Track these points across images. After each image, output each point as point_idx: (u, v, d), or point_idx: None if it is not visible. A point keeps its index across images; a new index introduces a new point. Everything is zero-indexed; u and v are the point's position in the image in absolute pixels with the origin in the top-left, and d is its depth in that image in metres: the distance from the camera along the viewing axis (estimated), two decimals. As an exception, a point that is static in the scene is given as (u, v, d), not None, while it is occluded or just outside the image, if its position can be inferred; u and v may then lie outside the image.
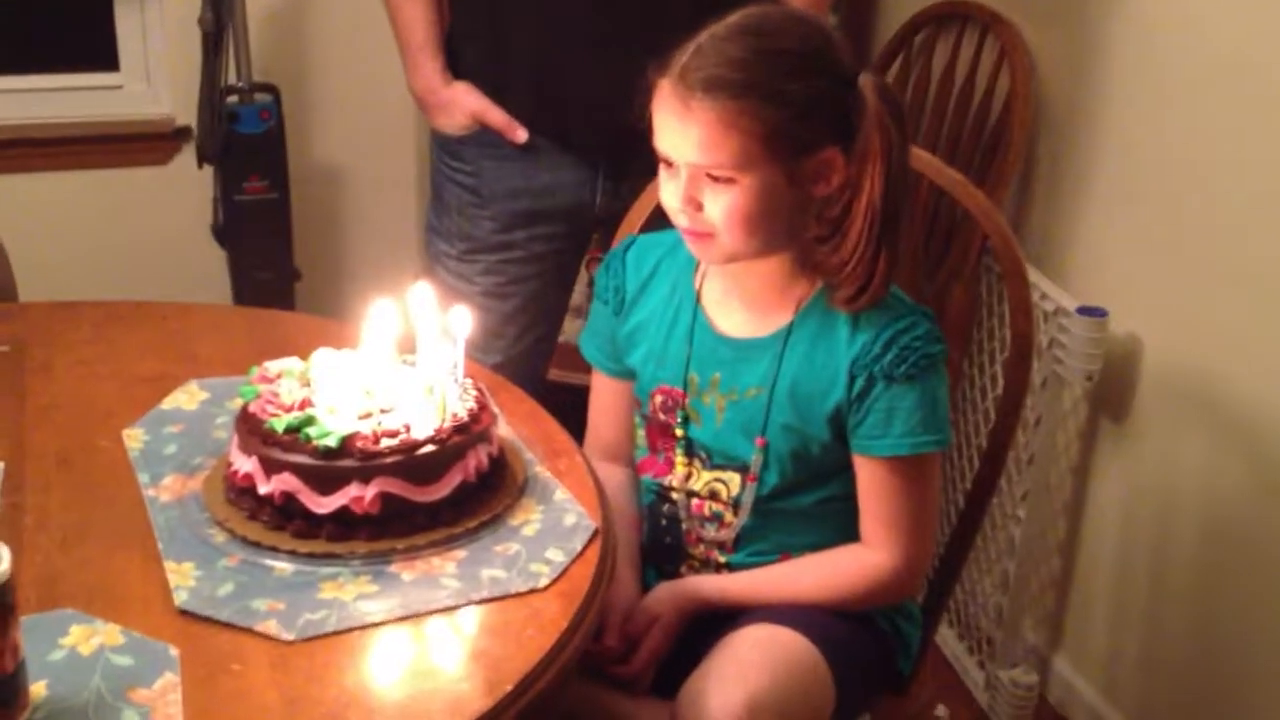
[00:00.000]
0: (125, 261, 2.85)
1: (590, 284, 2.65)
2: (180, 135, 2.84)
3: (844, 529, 1.44)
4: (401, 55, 1.98)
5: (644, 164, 1.70)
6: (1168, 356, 2.02)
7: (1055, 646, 2.29)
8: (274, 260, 2.75)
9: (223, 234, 2.74)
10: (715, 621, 1.42)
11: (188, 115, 2.76)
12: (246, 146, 2.65)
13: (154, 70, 2.85)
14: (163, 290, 2.52)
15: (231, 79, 2.65)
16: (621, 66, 1.83)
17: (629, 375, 1.52)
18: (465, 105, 1.93)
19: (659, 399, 1.47)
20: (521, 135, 1.91)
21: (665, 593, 1.45)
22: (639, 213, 1.71)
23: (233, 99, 2.64)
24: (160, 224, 2.87)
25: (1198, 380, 1.96)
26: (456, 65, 1.96)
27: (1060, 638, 2.28)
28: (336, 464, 1.19)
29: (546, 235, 1.99)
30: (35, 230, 2.76)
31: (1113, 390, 2.10)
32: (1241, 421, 1.89)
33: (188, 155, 2.80)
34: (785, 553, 1.46)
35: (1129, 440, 2.10)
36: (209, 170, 2.71)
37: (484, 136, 1.94)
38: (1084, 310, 2.03)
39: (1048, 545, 2.22)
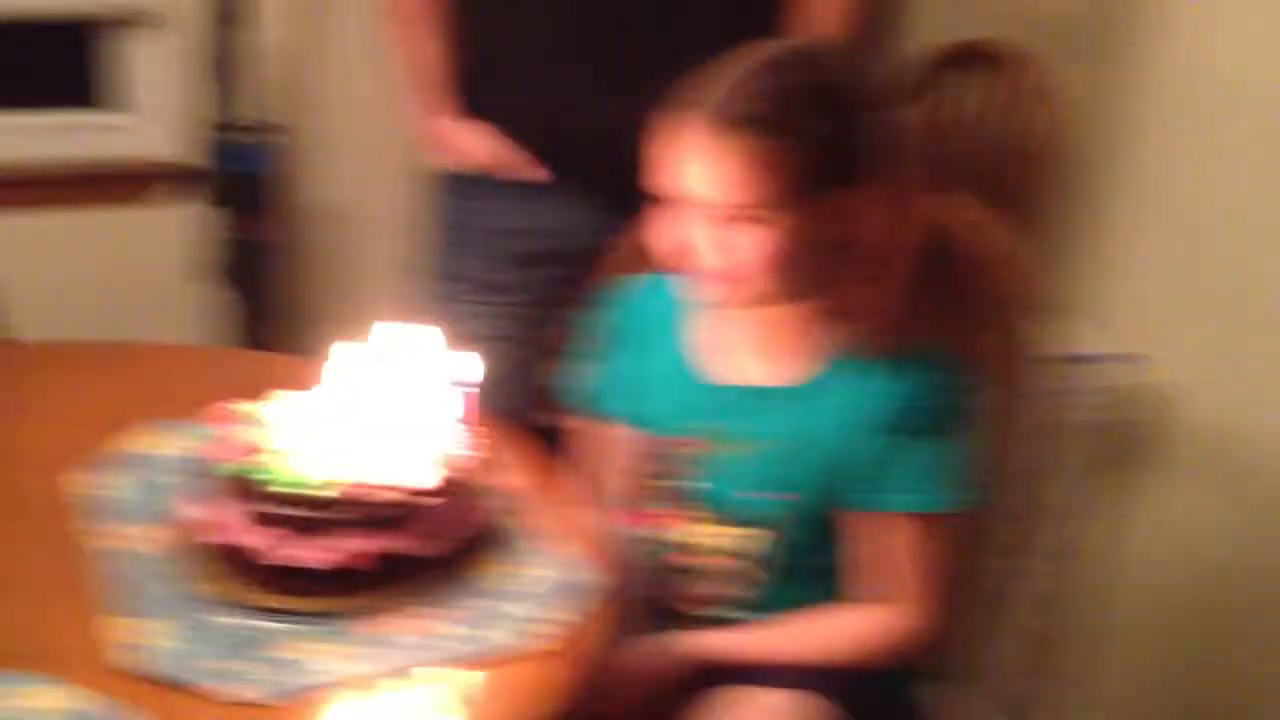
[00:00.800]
0: (117, 304, 2.75)
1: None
2: (180, 173, 2.76)
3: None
4: (408, 92, 1.92)
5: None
6: (1203, 406, 1.93)
7: (1081, 707, 2.19)
8: (275, 305, 2.67)
9: (221, 275, 2.66)
10: (713, 680, 1.34)
11: (187, 153, 2.69)
12: (247, 185, 2.58)
13: (155, 107, 2.78)
14: (155, 334, 2.45)
15: (235, 116, 2.57)
16: (631, 103, 1.76)
17: (623, 421, 1.44)
18: (474, 144, 1.86)
19: (655, 448, 1.39)
20: (537, 174, 1.85)
21: (661, 650, 1.37)
22: (628, 253, 1.62)
23: (234, 135, 2.57)
24: (156, 264, 2.77)
25: (1234, 432, 1.88)
26: (465, 103, 1.90)
27: (1086, 693, 2.18)
28: (322, 515, 1.11)
29: (556, 278, 1.92)
30: (24, 270, 2.64)
31: (1143, 439, 2.01)
32: (1282, 475, 1.79)
33: (188, 194, 2.71)
34: (789, 610, 1.38)
35: (1161, 493, 2.01)
36: (209, 210, 2.62)
37: (491, 175, 1.88)
38: (1114, 357, 1.94)
39: (1075, 598, 2.13)
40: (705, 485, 1.37)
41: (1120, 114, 2.10)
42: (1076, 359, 1.98)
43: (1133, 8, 2.06)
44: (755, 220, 1.23)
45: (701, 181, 1.24)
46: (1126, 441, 2.01)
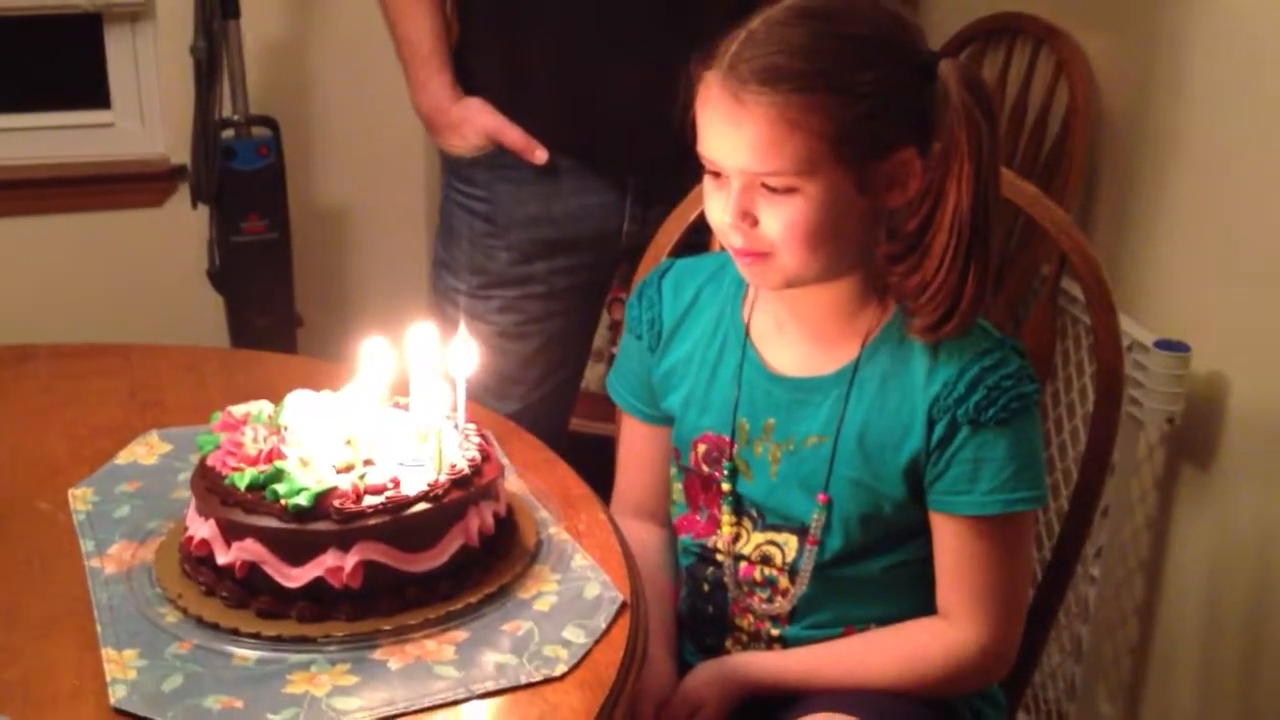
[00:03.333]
0: (117, 309, 2.69)
1: (612, 326, 2.49)
2: (175, 175, 2.70)
3: (918, 599, 1.24)
4: (405, 71, 1.82)
5: (676, 186, 1.54)
6: (1256, 396, 1.83)
7: (1126, 722, 2.09)
8: (274, 305, 2.59)
9: (219, 278, 2.59)
10: (767, 708, 1.23)
11: (182, 154, 2.61)
12: (244, 184, 2.49)
13: (147, 107, 2.72)
14: (156, 339, 2.37)
15: (227, 112, 2.49)
16: (654, 72, 1.64)
17: (665, 421, 1.34)
18: (477, 123, 1.76)
19: (702, 449, 1.29)
20: (541, 155, 1.74)
21: (708, 674, 1.26)
22: (665, 240, 1.52)
23: (228, 133, 2.49)
24: (154, 269, 2.72)
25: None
26: (467, 80, 1.79)
27: (1138, 711, 2.08)
28: (309, 527, 1.01)
29: (569, 267, 1.81)
30: (23, 276, 2.65)
31: (1195, 434, 1.91)
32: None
33: (182, 196, 2.65)
34: (849, 626, 1.26)
35: (1214, 490, 1.91)
36: (204, 211, 2.55)
37: (498, 158, 1.77)
38: (1163, 345, 1.85)
39: (1123, 607, 2.03)
40: (752, 489, 1.27)
41: (1156, 87, 2.01)
42: (1127, 347, 1.89)
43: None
44: (785, 190, 1.13)
45: (724, 147, 1.14)
46: (1177, 436, 1.91)
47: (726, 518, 1.28)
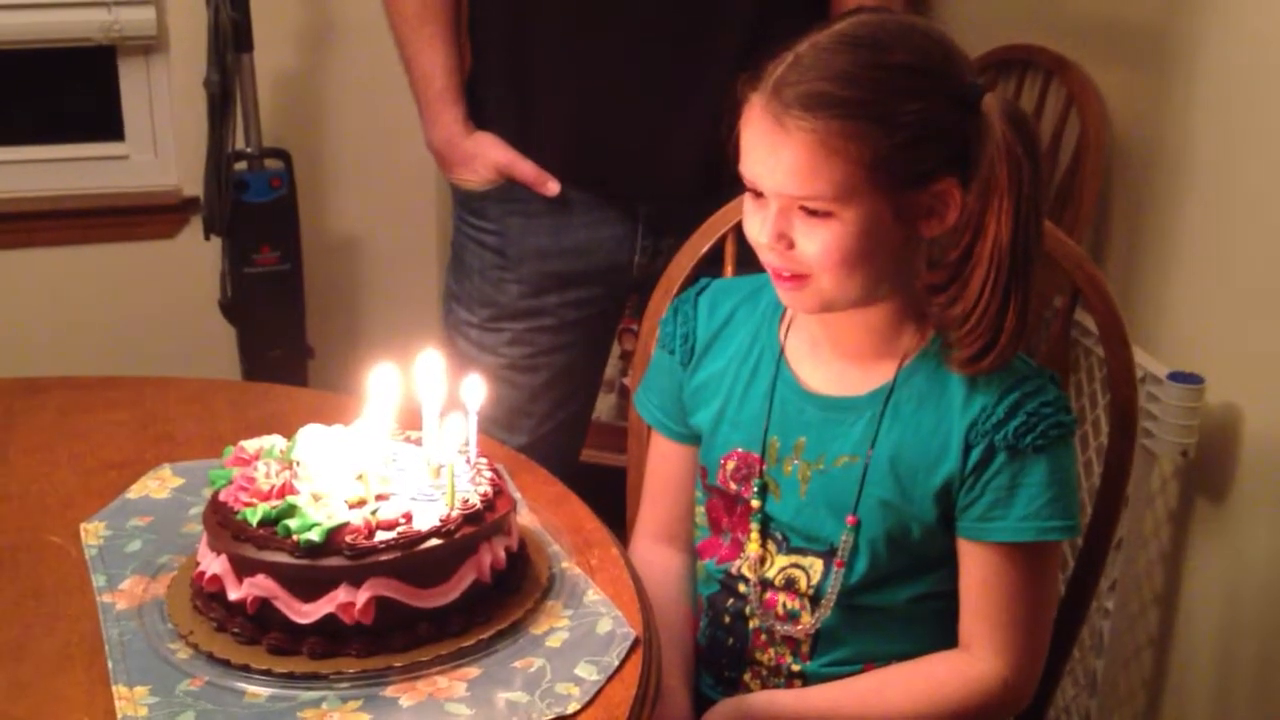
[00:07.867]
0: (129, 340, 2.71)
1: (623, 356, 2.49)
2: (188, 206, 2.71)
3: (940, 636, 1.23)
4: (418, 106, 1.82)
5: (688, 217, 1.54)
6: (1271, 428, 1.82)
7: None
8: (286, 337, 2.59)
9: (231, 309, 2.59)
10: None
11: (195, 185, 2.63)
12: (256, 216, 2.50)
13: (160, 139, 2.73)
14: (168, 370, 2.37)
15: (240, 144, 2.51)
16: (664, 105, 1.65)
17: (693, 439, 1.33)
18: (489, 157, 1.75)
19: (730, 466, 1.27)
20: (553, 187, 1.74)
21: (727, 712, 1.24)
22: (677, 272, 1.52)
23: (241, 165, 2.50)
24: (166, 300, 2.74)
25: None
26: (479, 114, 1.79)
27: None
28: (321, 563, 1.00)
29: (579, 300, 1.81)
30: (36, 307, 2.67)
31: (1209, 466, 1.89)
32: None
33: (195, 227, 2.66)
34: (869, 664, 1.25)
35: (1228, 522, 1.90)
36: (216, 242, 2.56)
37: (509, 191, 1.77)
38: (1177, 377, 1.83)
39: (1137, 640, 2.02)
40: (780, 509, 1.25)
41: (1168, 118, 2.01)
42: (1140, 379, 1.88)
43: (1176, 9, 1.96)
44: (822, 214, 1.13)
45: (764, 169, 1.14)
46: (1191, 468, 1.90)
47: (754, 539, 1.26)
